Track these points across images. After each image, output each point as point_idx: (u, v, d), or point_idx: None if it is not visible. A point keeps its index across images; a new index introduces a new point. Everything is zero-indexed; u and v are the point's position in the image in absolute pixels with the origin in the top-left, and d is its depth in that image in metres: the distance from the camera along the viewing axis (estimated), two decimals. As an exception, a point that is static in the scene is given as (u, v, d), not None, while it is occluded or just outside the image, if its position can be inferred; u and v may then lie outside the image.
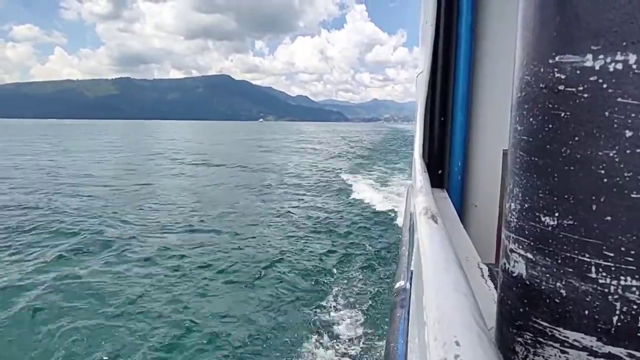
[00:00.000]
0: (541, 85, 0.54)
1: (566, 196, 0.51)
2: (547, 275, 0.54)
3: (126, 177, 17.44)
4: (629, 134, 0.45)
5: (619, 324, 0.47)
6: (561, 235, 0.52)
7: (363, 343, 4.74)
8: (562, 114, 0.51)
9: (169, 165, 21.70)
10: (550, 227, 0.53)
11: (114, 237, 8.49)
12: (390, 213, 10.88)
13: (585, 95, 0.48)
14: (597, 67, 0.47)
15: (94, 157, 27.11)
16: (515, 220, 0.60)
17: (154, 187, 15.16)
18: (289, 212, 11.37)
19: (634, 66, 0.44)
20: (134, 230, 9.20)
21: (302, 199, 13.41)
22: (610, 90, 0.46)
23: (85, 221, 9.84)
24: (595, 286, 0.48)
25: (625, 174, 0.45)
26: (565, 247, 0.51)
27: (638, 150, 0.45)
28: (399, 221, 9.28)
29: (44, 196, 12.94)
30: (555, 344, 0.53)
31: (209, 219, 10.46)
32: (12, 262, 7.10)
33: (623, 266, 0.46)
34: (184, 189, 14.76)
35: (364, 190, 14.49)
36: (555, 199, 0.52)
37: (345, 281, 6.52)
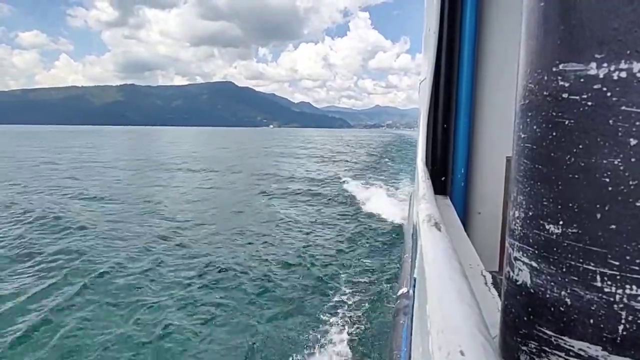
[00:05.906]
0: (545, 92, 0.54)
1: (570, 204, 0.51)
2: (552, 283, 0.53)
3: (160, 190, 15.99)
4: (633, 142, 0.45)
5: (624, 333, 0.47)
6: (565, 244, 0.51)
7: (365, 346, 4.71)
8: (566, 122, 0.51)
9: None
10: (554, 236, 0.53)
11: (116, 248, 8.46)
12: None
13: (589, 103, 0.48)
14: (601, 76, 0.47)
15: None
16: (519, 228, 0.60)
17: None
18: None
19: (639, 75, 0.44)
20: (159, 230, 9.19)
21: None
22: (614, 99, 0.46)
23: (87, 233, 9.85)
24: (600, 295, 0.48)
25: (630, 182, 0.45)
26: (569, 256, 0.51)
27: None
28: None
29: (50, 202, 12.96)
30: (560, 353, 0.53)
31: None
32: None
33: (628, 275, 0.46)
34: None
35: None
36: (560, 207, 0.52)
37: (349, 284, 6.51)
